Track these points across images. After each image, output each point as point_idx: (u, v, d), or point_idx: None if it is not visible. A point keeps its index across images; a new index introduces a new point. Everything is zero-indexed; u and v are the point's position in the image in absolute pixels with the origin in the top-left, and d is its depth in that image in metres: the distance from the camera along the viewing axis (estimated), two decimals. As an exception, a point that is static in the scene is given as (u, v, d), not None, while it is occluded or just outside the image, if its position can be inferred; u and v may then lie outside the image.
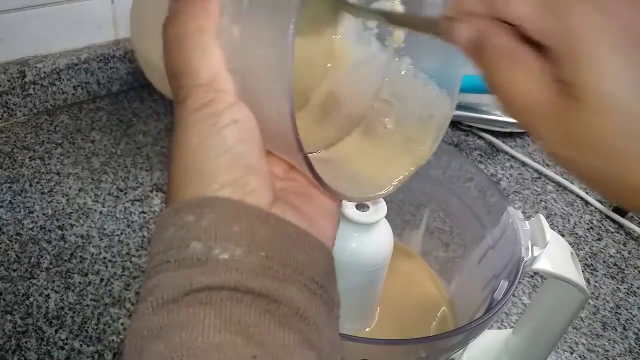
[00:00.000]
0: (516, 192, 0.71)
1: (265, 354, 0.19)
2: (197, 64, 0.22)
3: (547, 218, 0.66)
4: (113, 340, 0.48)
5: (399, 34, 0.31)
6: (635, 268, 0.62)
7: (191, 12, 0.23)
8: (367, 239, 0.41)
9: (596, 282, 0.60)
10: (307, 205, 0.24)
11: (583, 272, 0.41)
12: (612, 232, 0.67)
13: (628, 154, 0.17)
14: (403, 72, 0.31)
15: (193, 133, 0.22)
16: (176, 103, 0.23)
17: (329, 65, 0.31)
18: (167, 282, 0.20)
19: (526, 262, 0.39)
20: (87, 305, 0.51)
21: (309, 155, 0.22)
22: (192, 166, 0.22)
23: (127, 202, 0.62)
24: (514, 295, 0.55)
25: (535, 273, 0.57)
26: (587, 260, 0.62)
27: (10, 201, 0.60)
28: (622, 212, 0.68)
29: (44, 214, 0.59)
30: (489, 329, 0.38)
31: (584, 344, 0.53)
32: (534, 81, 0.18)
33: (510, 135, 0.79)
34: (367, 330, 0.46)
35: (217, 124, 0.22)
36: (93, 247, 0.56)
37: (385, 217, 0.41)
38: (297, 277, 0.21)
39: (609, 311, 0.57)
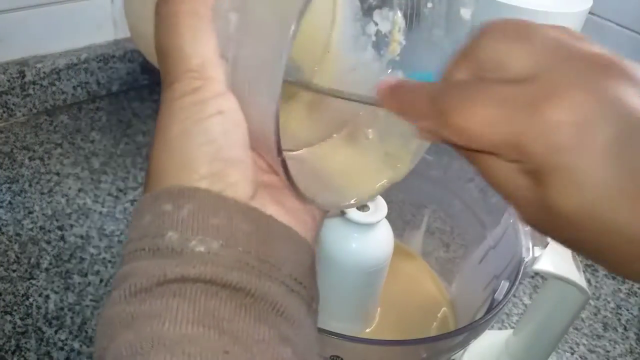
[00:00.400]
0: (516, 192, 0.71)
1: (238, 348, 0.19)
2: (188, 47, 0.22)
3: (547, 218, 0.66)
4: (112, 341, 0.48)
5: (395, 46, 0.31)
6: (636, 268, 0.62)
7: None
8: (368, 239, 0.40)
9: (597, 282, 0.60)
10: (289, 200, 0.24)
11: (584, 272, 0.41)
12: (613, 232, 0.66)
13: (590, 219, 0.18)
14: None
15: (177, 119, 0.21)
16: (163, 85, 0.22)
17: (321, 63, 0.31)
18: (141, 270, 0.20)
19: (527, 262, 0.39)
20: (87, 306, 0.51)
21: (287, 151, 0.22)
22: (173, 154, 0.21)
23: (127, 202, 0.61)
24: (514, 296, 0.55)
25: (536, 273, 0.57)
26: (587, 260, 0.62)
27: (9, 201, 0.60)
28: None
29: (43, 214, 0.59)
30: (489, 329, 0.38)
31: (584, 344, 0.53)
32: (507, 170, 0.20)
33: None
34: (368, 330, 0.46)
35: (203, 113, 0.21)
36: (92, 247, 0.56)
37: (386, 217, 0.41)
38: (275, 273, 0.21)
39: (610, 311, 0.57)
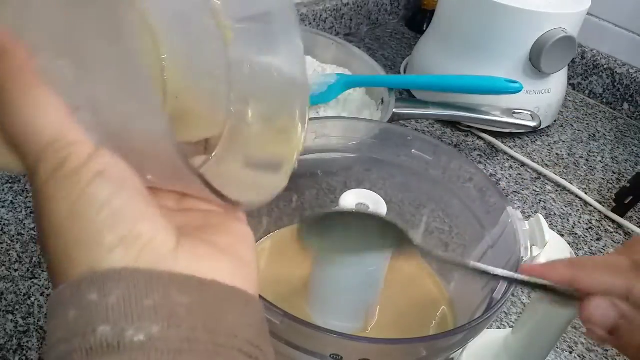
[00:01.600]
0: (515, 192, 0.71)
1: None
2: (34, 122, 0.19)
3: (546, 218, 0.66)
4: (114, 340, 0.48)
5: (227, 33, 0.29)
6: (634, 268, 0.62)
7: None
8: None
9: (595, 281, 0.60)
10: (217, 236, 0.22)
11: (582, 271, 0.41)
12: (611, 232, 0.67)
13: None
14: (247, 71, 0.29)
15: (58, 201, 0.19)
16: (29, 173, 0.20)
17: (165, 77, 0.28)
18: None
19: (525, 261, 0.39)
20: (88, 305, 0.51)
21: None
22: (70, 237, 0.19)
23: (128, 202, 0.62)
24: (513, 295, 0.55)
25: (535, 273, 0.57)
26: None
27: (11, 201, 0.60)
28: (621, 212, 0.68)
29: (44, 214, 0.59)
30: (488, 328, 0.38)
31: (582, 343, 0.54)
32: None
33: (510, 135, 0.79)
34: (367, 329, 0.46)
35: (80, 182, 0.19)
36: (94, 246, 0.56)
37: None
38: (231, 342, 0.19)
39: (608, 310, 0.57)
